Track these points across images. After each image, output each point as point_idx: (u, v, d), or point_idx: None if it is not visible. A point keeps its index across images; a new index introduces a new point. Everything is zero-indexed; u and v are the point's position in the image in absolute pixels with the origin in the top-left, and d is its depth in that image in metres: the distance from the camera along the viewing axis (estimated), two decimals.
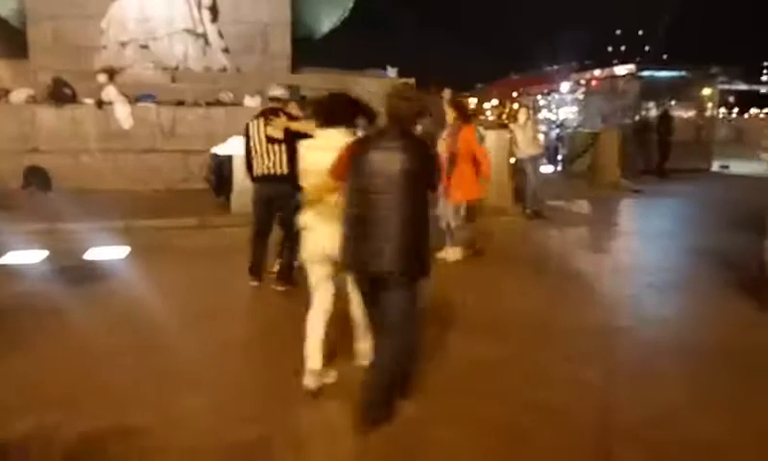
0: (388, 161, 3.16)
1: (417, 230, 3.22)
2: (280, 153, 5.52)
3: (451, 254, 6.82)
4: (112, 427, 3.29)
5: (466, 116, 6.97)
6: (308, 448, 3.16)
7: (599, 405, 3.59)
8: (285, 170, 5.45)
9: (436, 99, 13.46)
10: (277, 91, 5.84)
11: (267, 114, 5.69)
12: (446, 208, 6.86)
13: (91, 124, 10.62)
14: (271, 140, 5.55)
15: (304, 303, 3.87)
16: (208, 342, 4.57)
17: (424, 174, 3.25)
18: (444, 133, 8.04)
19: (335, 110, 3.71)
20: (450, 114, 6.91)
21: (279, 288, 5.70)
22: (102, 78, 11.22)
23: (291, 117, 5.61)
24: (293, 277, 5.60)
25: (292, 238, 5.17)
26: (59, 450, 3.10)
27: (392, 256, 3.12)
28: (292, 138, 5.18)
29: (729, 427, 3.37)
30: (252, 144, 5.67)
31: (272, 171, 5.58)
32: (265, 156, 5.60)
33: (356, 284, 3.52)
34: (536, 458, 3.11)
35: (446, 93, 11.86)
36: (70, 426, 3.28)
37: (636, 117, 17.02)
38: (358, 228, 3.22)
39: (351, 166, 3.26)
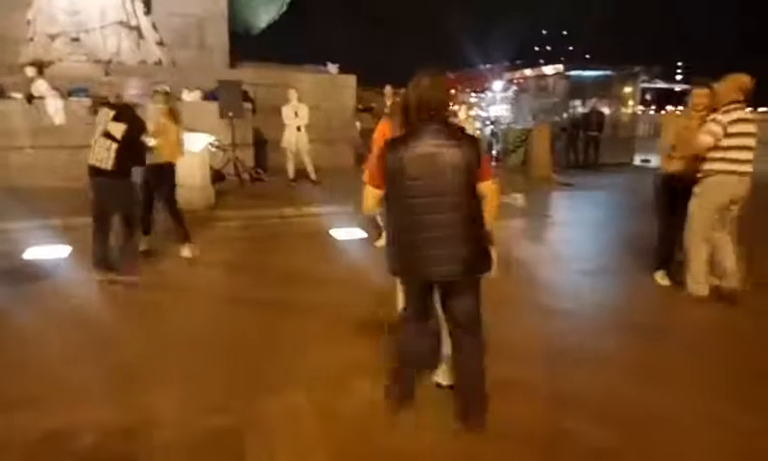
0: (438, 159, 2.98)
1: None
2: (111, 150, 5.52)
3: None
4: (83, 424, 3.28)
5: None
6: (278, 433, 3.24)
7: (556, 382, 3.87)
8: (110, 166, 5.50)
9: (377, 95, 13.65)
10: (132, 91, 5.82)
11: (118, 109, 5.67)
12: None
13: (21, 119, 10.16)
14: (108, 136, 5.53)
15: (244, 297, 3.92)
16: (163, 337, 4.59)
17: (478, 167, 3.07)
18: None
19: None
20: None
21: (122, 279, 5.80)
22: (30, 71, 10.72)
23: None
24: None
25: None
26: (31, 450, 3.08)
27: (462, 258, 3.08)
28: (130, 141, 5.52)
29: (676, 399, 3.68)
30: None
31: (100, 165, 5.55)
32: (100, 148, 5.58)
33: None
34: (505, 432, 3.32)
35: (387, 90, 12.15)
36: (40, 425, 3.26)
37: (565, 114, 17.81)
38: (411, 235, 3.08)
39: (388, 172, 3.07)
